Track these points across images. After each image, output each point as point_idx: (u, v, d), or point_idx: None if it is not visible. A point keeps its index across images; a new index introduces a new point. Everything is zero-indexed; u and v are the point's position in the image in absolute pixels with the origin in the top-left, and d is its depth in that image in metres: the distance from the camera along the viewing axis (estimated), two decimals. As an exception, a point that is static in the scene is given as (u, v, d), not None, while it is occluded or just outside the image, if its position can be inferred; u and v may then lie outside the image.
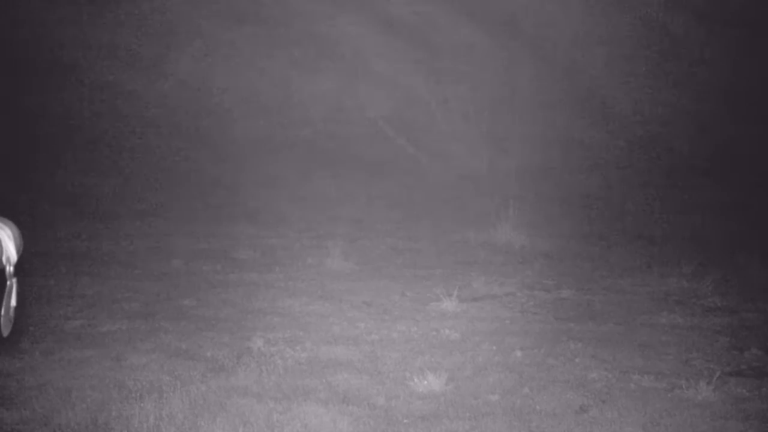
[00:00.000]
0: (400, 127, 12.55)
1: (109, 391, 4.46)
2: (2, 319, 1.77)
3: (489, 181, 11.05)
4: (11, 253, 1.81)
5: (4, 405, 4.27)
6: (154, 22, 12.07)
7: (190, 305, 6.40)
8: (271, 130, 12.51)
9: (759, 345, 5.52)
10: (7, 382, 4.63)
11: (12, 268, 1.80)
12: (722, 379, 4.80)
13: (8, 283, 1.80)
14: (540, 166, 11.44)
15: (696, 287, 6.99)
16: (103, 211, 10.51)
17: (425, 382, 4.63)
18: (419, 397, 4.52)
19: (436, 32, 11.66)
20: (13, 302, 1.81)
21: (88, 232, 9.33)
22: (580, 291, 7.09)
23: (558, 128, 11.64)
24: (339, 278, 7.45)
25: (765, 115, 10.70)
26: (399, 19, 11.56)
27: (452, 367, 4.97)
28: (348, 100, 12.42)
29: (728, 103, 11.00)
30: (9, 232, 1.82)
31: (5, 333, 1.79)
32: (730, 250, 8.53)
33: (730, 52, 10.63)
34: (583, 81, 11.44)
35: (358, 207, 11.11)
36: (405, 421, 4.20)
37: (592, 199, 11.09)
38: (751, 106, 10.83)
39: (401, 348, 5.41)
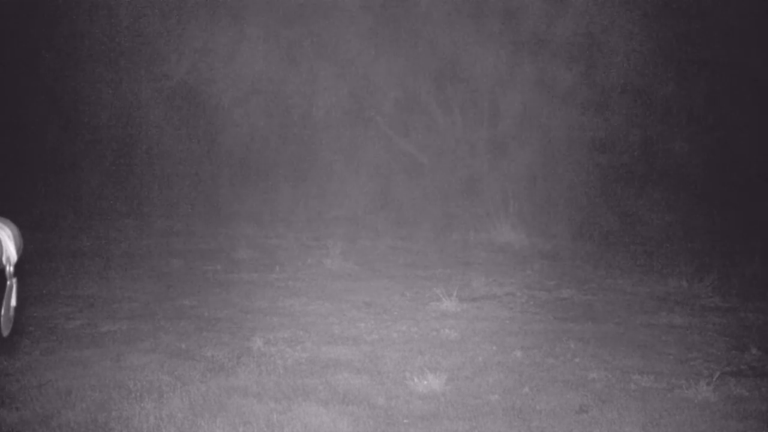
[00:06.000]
0: (400, 127, 12.54)
1: (109, 391, 4.46)
2: (2, 319, 1.77)
3: (489, 181, 11.05)
4: (11, 253, 1.81)
5: (4, 405, 4.27)
6: (153, 21, 12.07)
7: (190, 305, 6.41)
8: (271, 130, 12.51)
9: (759, 345, 5.52)
10: (7, 382, 4.63)
11: (12, 268, 1.80)
12: (722, 379, 4.80)
13: (8, 283, 1.80)
14: (540, 167, 11.44)
15: (696, 287, 7.00)
16: (103, 211, 10.52)
17: (425, 382, 4.64)
18: (419, 397, 4.52)
19: (436, 32, 11.66)
20: (13, 302, 1.81)
21: (88, 232, 9.34)
22: (580, 291, 7.09)
23: (558, 129, 11.64)
24: (339, 278, 7.45)
25: (762, 116, 10.72)
26: (399, 19, 11.57)
27: (452, 367, 4.97)
28: (348, 100, 12.42)
29: (727, 104, 11.01)
30: (9, 232, 1.82)
31: (5, 333, 1.79)
32: (730, 250, 8.53)
33: (725, 53, 10.65)
34: (583, 81, 11.44)
35: (358, 207, 11.12)
36: (405, 421, 4.20)
37: (592, 199, 11.09)
38: (750, 108, 10.84)
39: (401, 348, 5.41)
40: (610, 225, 10.15)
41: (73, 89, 12.16)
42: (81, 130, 12.28)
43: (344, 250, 8.17)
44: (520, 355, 5.28)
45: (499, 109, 11.87)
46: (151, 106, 12.49)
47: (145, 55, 12.22)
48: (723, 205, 10.36)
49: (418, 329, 5.85)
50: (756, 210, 9.91)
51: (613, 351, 5.37)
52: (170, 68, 12.19)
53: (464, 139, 12.13)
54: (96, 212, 10.45)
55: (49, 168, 11.77)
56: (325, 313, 6.24)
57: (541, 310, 6.49)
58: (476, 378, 4.84)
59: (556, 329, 5.91)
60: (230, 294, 6.78)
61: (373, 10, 11.32)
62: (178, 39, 11.98)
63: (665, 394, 4.63)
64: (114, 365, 4.93)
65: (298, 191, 11.84)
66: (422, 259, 8.39)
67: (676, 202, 10.79)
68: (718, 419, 4.27)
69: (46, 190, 11.17)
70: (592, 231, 9.83)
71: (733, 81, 10.84)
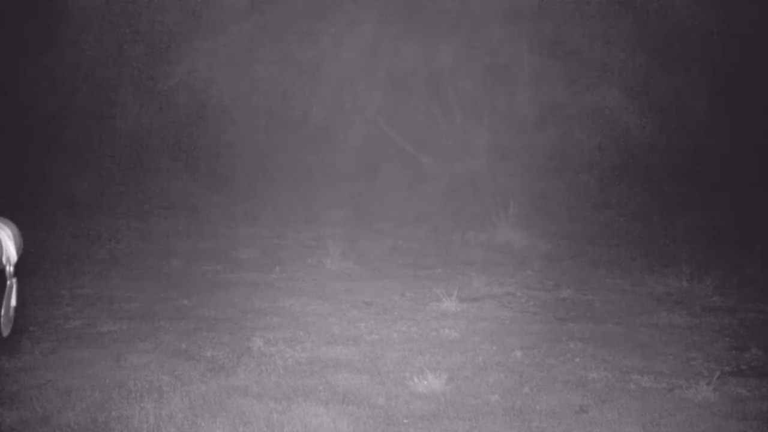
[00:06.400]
0: (400, 127, 12.54)
1: (109, 391, 4.46)
2: (2, 319, 1.77)
3: (489, 181, 11.05)
4: (11, 253, 1.81)
5: (4, 405, 4.27)
6: (153, 21, 12.07)
7: (190, 305, 6.41)
8: (271, 130, 12.50)
9: (759, 345, 5.52)
10: (7, 382, 4.63)
11: (12, 268, 1.80)
12: (722, 379, 4.80)
13: (8, 283, 1.80)
14: (539, 167, 11.45)
15: (696, 287, 6.99)
16: (103, 211, 10.51)
17: (425, 382, 4.64)
18: (419, 397, 4.52)
19: (436, 31, 11.66)
20: (13, 302, 1.81)
21: (88, 232, 9.33)
22: (580, 291, 7.09)
23: (558, 129, 11.65)
24: (339, 278, 7.45)
25: (760, 118, 10.72)
26: (399, 19, 11.56)
27: (452, 367, 4.97)
28: (348, 100, 12.42)
29: (726, 105, 11.01)
30: (9, 232, 1.82)
31: (5, 333, 1.79)
32: (730, 250, 8.53)
33: (722, 56, 10.67)
34: (583, 82, 11.44)
35: (358, 207, 11.11)
36: (405, 421, 4.21)
37: (591, 199, 11.08)
38: (749, 109, 10.84)
39: (401, 348, 5.41)
40: (610, 225, 10.15)
41: (73, 89, 12.16)
42: (81, 130, 12.28)
43: (344, 250, 8.17)
44: (520, 355, 5.28)
45: (499, 109, 11.87)
46: (151, 106, 12.49)
47: (147, 54, 12.22)
48: (723, 205, 10.35)
49: (418, 329, 5.85)
50: (756, 210, 9.90)
51: (613, 351, 5.37)
52: (171, 68, 12.19)
53: (464, 139, 12.13)
54: (96, 212, 10.43)
55: (49, 168, 11.76)
56: (325, 313, 6.23)
57: (541, 310, 6.49)
58: (476, 378, 4.84)
59: (556, 329, 5.91)
60: (230, 294, 6.78)
61: (373, 10, 11.31)
62: (179, 39, 11.98)
63: (665, 394, 4.63)
64: (114, 365, 4.93)
65: (298, 191, 11.84)
66: (422, 259, 8.39)
67: (676, 202, 10.79)
68: (718, 419, 4.27)
69: (46, 190, 11.16)
70: (592, 231, 9.83)
71: (733, 82, 10.85)
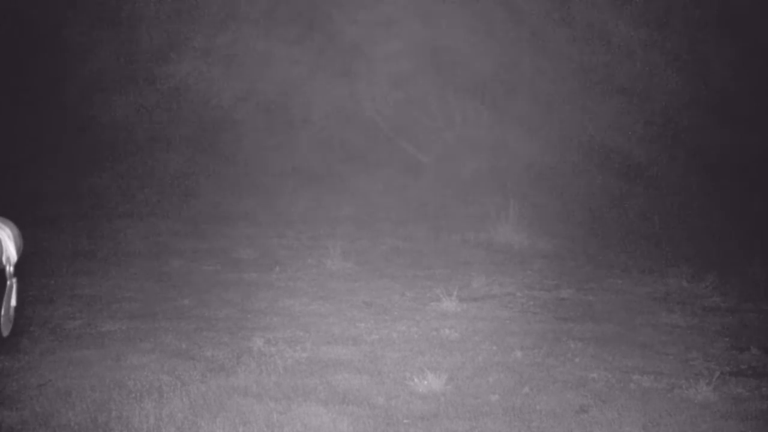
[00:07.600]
0: (400, 127, 12.54)
1: (109, 391, 4.46)
2: (2, 319, 1.77)
3: (489, 181, 11.04)
4: (11, 253, 1.81)
5: (4, 405, 4.27)
6: (153, 21, 12.08)
7: (190, 305, 6.40)
8: (271, 130, 12.50)
9: (759, 345, 5.52)
10: (7, 382, 4.63)
11: (12, 268, 1.80)
12: (722, 379, 4.80)
13: (8, 283, 1.80)
14: (540, 166, 11.44)
15: (696, 287, 6.99)
16: (103, 211, 10.51)
17: (425, 382, 4.64)
18: (419, 397, 4.52)
19: (436, 31, 11.66)
20: (13, 302, 1.81)
21: (88, 231, 9.33)
22: (580, 291, 7.09)
23: (558, 128, 11.64)
24: (339, 278, 7.45)
25: (761, 117, 10.72)
26: (399, 18, 11.56)
27: (452, 367, 4.97)
28: (348, 100, 12.41)
29: (725, 105, 11.01)
30: (9, 232, 1.83)
31: (5, 333, 1.79)
32: (730, 250, 8.53)
33: (724, 56, 10.67)
34: (582, 81, 11.44)
35: (358, 207, 11.10)
36: (405, 421, 4.21)
37: (592, 199, 11.08)
38: (749, 109, 10.84)
39: (401, 348, 5.41)
40: (610, 225, 10.14)
41: (75, 89, 12.16)
42: (82, 130, 12.28)
43: (344, 250, 8.16)
44: (520, 355, 5.28)
45: (499, 108, 11.87)
46: (151, 106, 12.49)
47: (147, 54, 12.22)
48: (724, 205, 10.35)
49: (418, 329, 5.85)
50: (756, 210, 9.90)
51: (613, 351, 5.37)
52: (171, 68, 12.19)
53: (465, 139, 12.12)
54: (96, 212, 10.43)
55: (49, 168, 11.76)
56: (325, 313, 6.23)
57: (541, 310, 6.49)
58: (476, 378, 4.84)
59: (556, 329, 5.91)
60: (230, 294, 6.77)
61: (372, 8, 11.31)
62: (179, 39, 11.99)
63: (665, 394, 4.63)
64: (114, 365, 4.93)
65: (298, 191, 11.83)
66: (422, 259, 8.38)
67: (676, 202, 10.79)
68: (718, 419, 4.27)
69: (46, 190, 11.16)
70: (592, 231, 9.82)
71: (735, 80, 10.84)
